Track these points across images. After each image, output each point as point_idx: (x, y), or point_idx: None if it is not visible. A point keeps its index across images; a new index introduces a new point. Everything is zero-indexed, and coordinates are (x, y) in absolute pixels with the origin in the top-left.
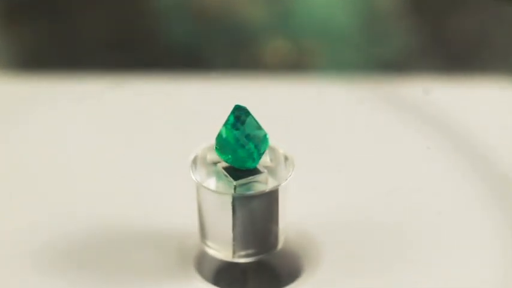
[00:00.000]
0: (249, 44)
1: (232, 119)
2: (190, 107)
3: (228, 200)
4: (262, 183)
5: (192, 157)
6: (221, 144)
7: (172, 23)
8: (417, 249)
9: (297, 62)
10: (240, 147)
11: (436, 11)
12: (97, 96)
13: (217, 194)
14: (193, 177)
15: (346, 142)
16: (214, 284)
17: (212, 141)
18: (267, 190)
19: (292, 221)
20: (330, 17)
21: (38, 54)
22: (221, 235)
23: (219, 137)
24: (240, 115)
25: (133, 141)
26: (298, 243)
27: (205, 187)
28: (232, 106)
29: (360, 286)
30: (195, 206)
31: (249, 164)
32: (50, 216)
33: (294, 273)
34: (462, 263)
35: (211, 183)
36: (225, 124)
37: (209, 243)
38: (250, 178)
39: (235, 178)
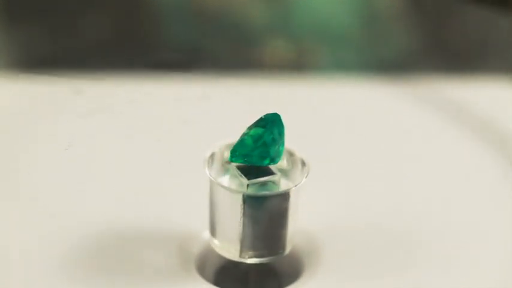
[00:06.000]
0: (249, 44)
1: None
2: (189, 107)
3: (239, 198)
4: (275, 185)
5: (207, 155)
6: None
7: (173, 23)
8: (420, 253)
9: (297, 62)
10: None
11: (436, 10)
12: (98, 96)
13: (229, 191)
14: (207, 173)
15: (347, 142)
16: (216, 284)
17: (213, 141)
18: (279, 191)
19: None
20: (330, 17)
21: (38, 54)
22: (230, 233)
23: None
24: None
25: (134, 141)
26: (299, 245)
27: (219, 184)
28: (232, 106)
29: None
30: (197, 207)
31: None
32: (54, 216)
33: (295, 274)
34: (467, 270)
35: (225, 181)
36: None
37: (217, 241)
38: (265, 178)
39: (248, 177)
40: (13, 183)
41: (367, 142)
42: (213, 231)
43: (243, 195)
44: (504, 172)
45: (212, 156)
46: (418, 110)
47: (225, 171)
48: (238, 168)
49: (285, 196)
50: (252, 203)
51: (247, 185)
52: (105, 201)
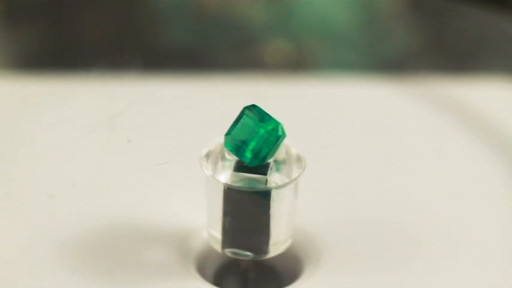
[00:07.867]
0: (250, 44)
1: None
2: (190, 108)
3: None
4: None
5: (202, 154)
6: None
7: (173, 23)
8: (421, 252)
9: (297, 61)
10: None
11: (436, 10)
12: (98, 95)
13: (255, 193)
14: (204, 169)
15: (346, 142)
16: (216, 284)
17: (213, 141)
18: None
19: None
20: (331, 17)
21: (38, 54)
22: (256, 234)
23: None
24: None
25: (133, 140)
26: (299, 244)
27: (241, 188)
28: (233, 106)
29: (360, 287)
30: (196, 205)
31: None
32: (53, 215)
33: (295, 274)
34: (467, 270)
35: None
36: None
37: (239, 248)
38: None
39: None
40: (12, 183)
41: (367, 141)
42: (231, 241)
43: (270, 192)
44: (504, 172)
45: (208, 157)
46: (417, 109)
47: (220, 173)
48: (235, 168)
49: (296, 182)
50: (275, 196)
51: (266, 180)
52: (104, 200)
